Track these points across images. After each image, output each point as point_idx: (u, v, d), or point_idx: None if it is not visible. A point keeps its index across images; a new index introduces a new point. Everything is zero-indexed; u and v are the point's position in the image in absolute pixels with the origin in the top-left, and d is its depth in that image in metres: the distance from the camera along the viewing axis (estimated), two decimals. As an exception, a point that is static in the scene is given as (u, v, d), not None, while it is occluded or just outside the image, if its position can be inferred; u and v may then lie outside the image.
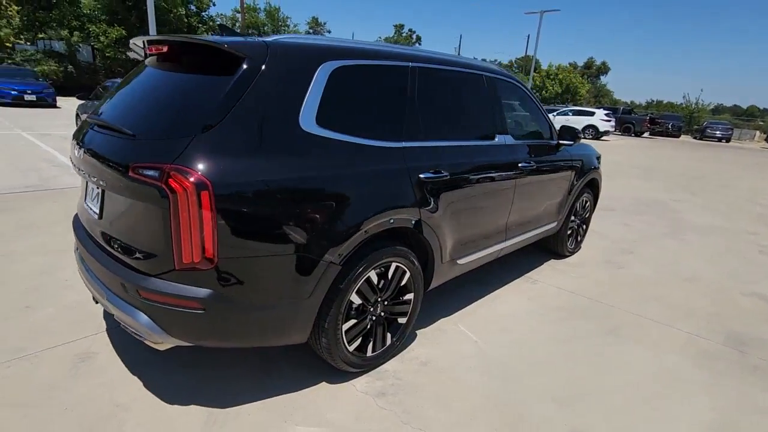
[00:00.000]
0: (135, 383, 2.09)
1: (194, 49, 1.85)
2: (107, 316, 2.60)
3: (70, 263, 3.09)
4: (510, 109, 3.29)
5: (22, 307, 2.68)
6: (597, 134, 22.11)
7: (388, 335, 2.36)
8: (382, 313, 2.30)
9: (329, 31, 77.23)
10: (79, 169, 1.98)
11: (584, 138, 22.12)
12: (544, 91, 42.57)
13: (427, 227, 2.33)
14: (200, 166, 1.54)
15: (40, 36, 21.05)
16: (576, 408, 2.13)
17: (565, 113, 23.70)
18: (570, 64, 58.60)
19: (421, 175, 2.24)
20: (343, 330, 2.08)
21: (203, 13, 28.34)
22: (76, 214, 2.35)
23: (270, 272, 1.73)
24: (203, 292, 1.64)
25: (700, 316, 3.21)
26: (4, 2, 21.30)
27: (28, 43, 20.98)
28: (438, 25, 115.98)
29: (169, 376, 2.16)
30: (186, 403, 1.98)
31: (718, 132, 30.21)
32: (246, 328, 1.78)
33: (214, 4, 29.77)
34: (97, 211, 1.94)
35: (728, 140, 30.47)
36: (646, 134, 29.41)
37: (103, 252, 1.89)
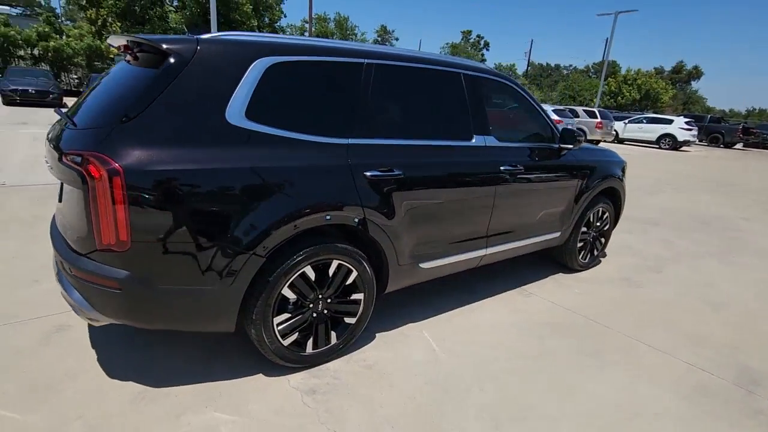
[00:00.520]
0: (91, 357, 2.26)
1: (138, 47, 1.99)
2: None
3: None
4: (498, 109, 3.12)
5: (31, 281, 3.02)
6: (675, 144, 20.14)
7: (333, 334, 2.34)
8: (325, 311, 2.28)
9: (397, 39, 78.36)
10: (46, 161, 2.20)
11: (661, 148, 20.28)
12: (619, 97, 39.68)
13: (375, 227, 2.28)
14: (115, 154, 1.65)
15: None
16: (508, 431, 1.95)
17: (638, 121, 21.90)
18: (655, 68, 54.13)
19: (367, 173, 2.20)
20: (275, 323, 2.09)
21: (275, 25, 30.07)
22: None
23: (187, 259, 1.80)
24: (120, 273, 1.75)
25: (713, 347, 2.80)
26: (109, 19, 24.24)
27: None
28: (508, 31, 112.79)
29: (124, 353, 2.31)
30: (126, 379, 2.11)
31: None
32: (165, 310, 1.87)
33: (285, 15, 31.50)
34: (59, 198, 2.14)
35: None
36: (738, 146, 26.26)
37: (59, 234, 2.08)
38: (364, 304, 2.41)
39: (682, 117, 22.11)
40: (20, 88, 15.43)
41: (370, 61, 2.33)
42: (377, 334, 2.68)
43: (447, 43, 58.32)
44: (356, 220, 2.20)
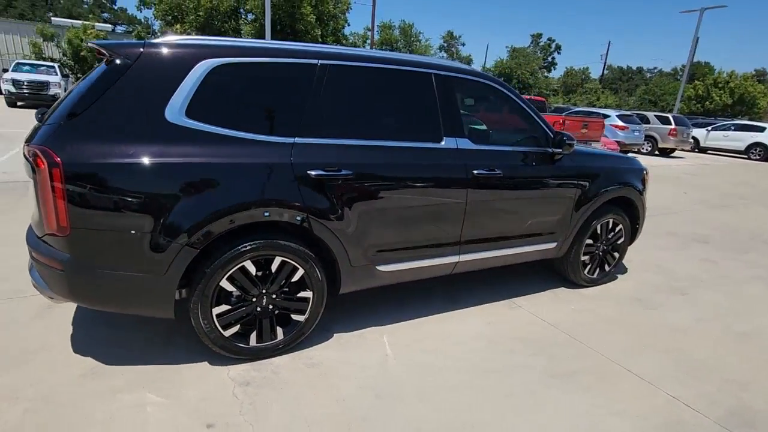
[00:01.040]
0: (67, 333, 2.49)
1: (101, 52, 2.18)
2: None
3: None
4: (482, 112, 2.99)
5: (49, 263, 3.40)
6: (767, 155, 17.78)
7: (280, 330, 2.38)
8: (270, 306, 2.33)
9: (464, 44, 77.45)
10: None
11: (750, 158, 18.06)
12: (708, 102, 35.77)
13: (321, 226, 2.28)
14: (56, 147, 1.82)
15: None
16: (426, 444, 1.85)
17: (724, 128, 19.62)
18: (756, 71, 48.27)
19: (312, 172, 2.22)
20: (214, 314, 2.17)
21: (339, 33, 31.09)
22: None
23: (121, 246, 1.93)
24: (63, 255, 1.92)
25: (716, 382, 2.44)
26: (192, 33, 26.63)
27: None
28: (583, 33, 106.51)
29: (97, 332, 2.52)
30: (86, 355, 2.30)
31: None
32: (104, 293, 2.02)
33: (348, 24, 32.47)
34: None
35: None
36: None
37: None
38: (313, 302, 2.41)
39: (778, 124, 19.44)
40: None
41: (325, 62, 2.35)
42: (336, 335, 2.67)
43: (508, 47, 56.62)
44: (298, 218, 2.22)
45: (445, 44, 67.51)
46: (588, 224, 3.38)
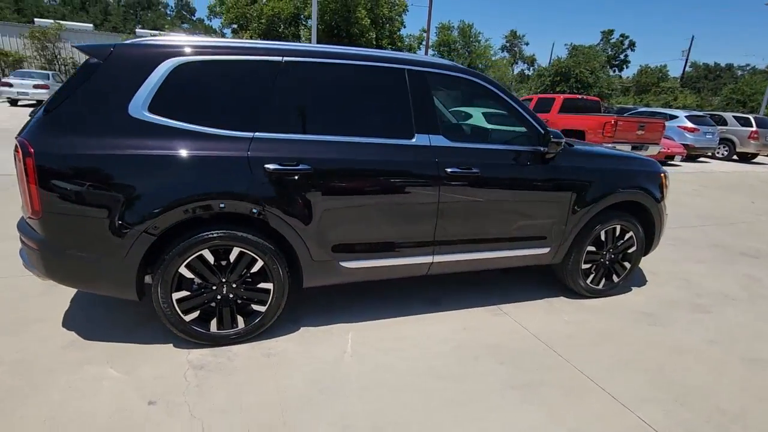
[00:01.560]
0: (63, 308, 2.76)
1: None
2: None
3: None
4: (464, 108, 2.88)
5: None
6: None
7: (240, 318, 2.46)
8: (231, 295, 2.42)
9: (527, 44, 74.65)
10: None
11: None
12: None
13: (277, 219, 2.33)
14: (31, 140, 2.03)
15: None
16: (345, 441, 1.83)
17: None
18: None
19: (269, 166, 2.28)
20: (174, 299, 2.30)
21: (395, 35, 31.32)
22: None
23: (85, 230, 2.11)
24: (38, 236, 2.14)
25: (700, 409, 2.16)
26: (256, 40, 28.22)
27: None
28: (661, 29, 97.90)
29: (89, 309, 2.76)
30: (72, 329, 2.53)
31: None
32: (73, 272, 2.21)
33: (404, 26, 32.59)
34: None
35: None
36: None
37: None
38: (274, 294, 2.47)
39: None
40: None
41: (290, 58, 2.40)
42: (303, 328, 2.72)
43: (567, 44, 53.55)
44: (254, 210, 2.29)
45: (508, 44, 65.55)
46: (589, 230, 3.13)
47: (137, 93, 2.14)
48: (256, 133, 2.31)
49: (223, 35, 36.77)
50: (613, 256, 3.34)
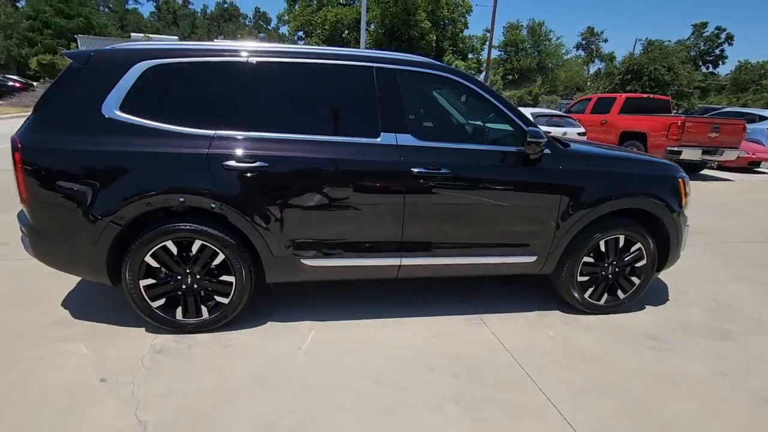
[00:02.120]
0: (68, 288, 3.06)
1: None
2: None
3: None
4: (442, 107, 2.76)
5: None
6: None
7: (204, 309, 2.57)
8: (195, 286, 2.53)
9: (606, 41, 69.71)
10: None
11: None
12: None
13: (236, 214, 2.41)
14: (20, 136, 2.29)
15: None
16: (257, 436, 1.83)
17: None
18: None
19: (226, 162, 2.36)
20: (142, 285, 2.46)
21: (457, 37, 30.91)
22: None
23: (62, 219, 2.33)
24: (27, 223, 2.40)
25: (674, 451, 1.88)
26: (320, 45, 29.37)
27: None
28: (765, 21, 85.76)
29: (90, 291, 3.04)
30: (67, 307, 2.81)
31: None
32: (55, 256, 2.46)
33: (467, 27, 32.03)
34: None
35: None
36: None
37: None
38: (236, 287, 2.55)
39: None
40: None
41: (255, 59, 2.47)
42: (269, 323, 2.77)
43: (639, 40, 48.90)
44: (212, 205, 2.38)
45: (584, 41, 61.71)
46: (585, 239, 2.86)
47: (110, 94, 2.33)
48: (218, 131, 2.40)
49: (296, 41, 38.61)
50: (617, 269, 3.01)
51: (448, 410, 2.07)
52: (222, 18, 64.74)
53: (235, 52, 2.47)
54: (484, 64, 33.75)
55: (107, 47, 2.46)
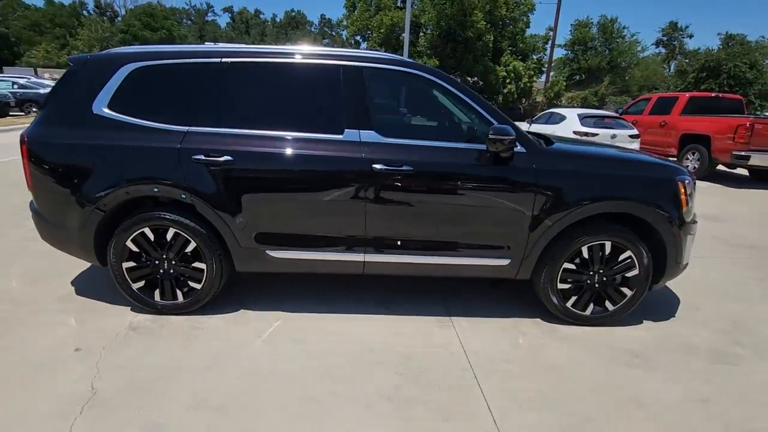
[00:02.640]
0: (83, 267, 3.42)
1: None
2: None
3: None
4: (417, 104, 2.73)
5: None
6: None
7: (179, 293, 2.76)
8: (171, 271, 2.73)
9: (691, 36, 63.86)
10: None
11: None
12: None
13: (204, 205, 2.57)
14: (28, 131, 2.62)
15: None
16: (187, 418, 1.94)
17: None
18: None
19: (195, 156, 2.52)
20: (125, 267, 2.70)
21: (518, 36, 29.83)
22: None
23: (56, 203, 2.63)
24: (33, 206, 2.74)
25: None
26: (377, 48, 29.83)
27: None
28: None
29: (101, 270, 3.39)
30: (73, 284, 3.15)
31: None
32: (55, 237, 2.76)
33: (528, 27, 30.80)
34: None
35: None
36: None
37: None
38: (208, 274, 2.71)
39: None
40: None
41: (228, 60, 2.61)
42: (242, 311, 2.90)
43: (719, 34, 43.61)
44: (183, 196, 2.56)
45: (665, 38, 56.90)
46: (565, 243, 2.68)
47: (100, 93, 2.59)
48: (191, 127, 2.57)
49: (358, 45, 39.53)
50: (605, 278, 2.79)
51: (378, 407, 2.06)
52: (289, 26, 67.98)
53: (207, 54, 2.64)
54: (547, 64, 32.35)
55: (101, 52, 2.74)
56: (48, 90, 9.97)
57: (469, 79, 27.38)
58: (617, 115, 10.71)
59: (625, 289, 2.81)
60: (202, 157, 2.52)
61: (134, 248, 2.67)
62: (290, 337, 2.62)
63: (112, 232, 2.64)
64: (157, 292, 2.76)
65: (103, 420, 1.91)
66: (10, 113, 15.57)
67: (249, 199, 2.59)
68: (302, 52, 2.68)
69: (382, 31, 26.58)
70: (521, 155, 2.60)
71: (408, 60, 2.75)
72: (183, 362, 2.33)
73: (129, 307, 2.86)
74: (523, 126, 12.54)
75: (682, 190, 2.69)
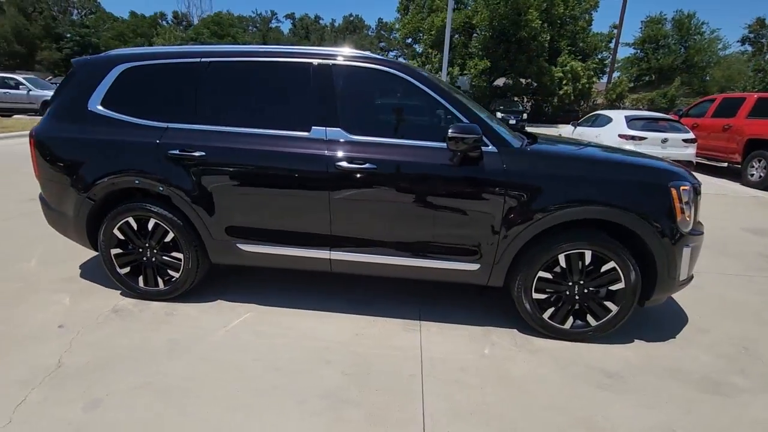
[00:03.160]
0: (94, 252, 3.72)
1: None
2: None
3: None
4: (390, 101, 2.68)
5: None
6: None
7: (160, 280, 2.92)
8: (153, 259, 2.90)
9: (783, 31, 57.24)
10: None
11: None
12: None
13: (179, 197, 2.70)
14: (35, 127, 2.90)
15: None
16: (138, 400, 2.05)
17: None
18: None
19: (171, 151, 2.66)
20: (112, 254, 2.90)
21: (578, 35, 28.34)
22: None
23: (57, 192, 2.89)
24: (41, 195, 3.03)
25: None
26: (429, 50, 29.68)
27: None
28: None
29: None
30: (79, 267, 3.43)
31: None
32: (55, 222, 3.03)
33: (589, 25, 29.12)
34: None
35: None
36: None
37: None
38: (185, 263, 2.85)
39: None
40: None
41: (207, 60, 2.73)
42: (218, 301, 3.01)
43: None
44: (160, 188, 2.70)
45: (752, 35, 51.46)
46: (541, 250, 2.51)
47: (95, 92, 2.81)
48: (170, 124, 2.72)
49: (415, 50, 39.68)
50: (586, 290, 2.57)
51: (312, 404, 2.04)
52: (347, 30, 69.54)
53: (189, 54, 2.77)
54: (610, 64, 30.39)
55: (101, 54, 2.97)
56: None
57: (522, 80, 26.42)
58: (671, 117, 9.83)
59: (609, 304, 2.57)
60: (178, 152, 2.65)
61: (120, 236, 2.87)
62: (254, 329, 2.68)
63: (102, 219, 2.85)
64: (140, 279, 2.94)
65: (55, 391, 2.06)
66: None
67: (220, 193, 2.68)
68: (275, 50, 2.73)
69: (432, 32, 26.40)
70: (491, 155, 2.48)
71: (378, 56, 2.71)
72: (147, 345, 2.46)
73: (119, 291, 3.07)
74: (567, 129, 11.86)
75: (676, 197, 2.41)
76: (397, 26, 30.96)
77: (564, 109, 26.08)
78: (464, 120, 2.51)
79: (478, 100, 27.55)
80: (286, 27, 74.44)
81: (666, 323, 2.93)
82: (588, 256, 2.50)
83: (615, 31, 28.35)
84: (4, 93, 15.52)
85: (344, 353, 2.46)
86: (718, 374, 2.39)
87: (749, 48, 51.14)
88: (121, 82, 2.80)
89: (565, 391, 2.21)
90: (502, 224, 2.49)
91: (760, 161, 8.16)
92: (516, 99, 25.99)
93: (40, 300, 2.92)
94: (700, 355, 2.57)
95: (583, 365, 2.43)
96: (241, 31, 49.01)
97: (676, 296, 3.34)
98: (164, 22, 55.48)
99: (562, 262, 2.53)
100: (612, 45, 29.94)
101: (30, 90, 15.66)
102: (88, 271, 3.38)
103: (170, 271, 2.91)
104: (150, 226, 2.82)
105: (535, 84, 26.74)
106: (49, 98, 16.31)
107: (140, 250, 2.90)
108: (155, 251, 2.88)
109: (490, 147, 2.49)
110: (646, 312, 3.03)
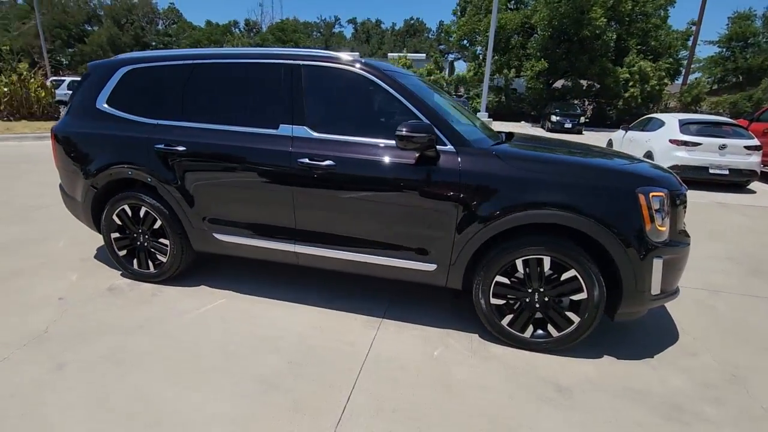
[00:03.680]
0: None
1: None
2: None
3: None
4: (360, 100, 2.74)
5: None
6: None
7: (151, 264, 3.19)
8: (146, 244, 3.18)
9: None
10: None
11: None
12: None
13: (163, 188, 2.94)
14: (56, 123, 3.30)
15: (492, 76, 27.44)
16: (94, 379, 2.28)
17: None
18: None
19: (157, 146, 2.91)
20: (112, 237, 3.22)
21: (650, 34, 26.32)
22: None
23: (70, 179, 3.25)
24: (60, 183, 3.43)
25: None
26: (484, 52, 29.10)
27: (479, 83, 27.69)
28: None
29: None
30: (91, 252, 3.83)
31: None
32: (70, 207, 3.40)
33: (665, 22, 26.86)
34: None
35: None
36: None
37: None
38: (171, 249, 3.09)
39: None
40: None
41: (194, 62, 2.95)
42: (202, 286, 3.23)
43: None
44: (149, 179, 2.96)
45: None
46: (497, 254, 2.43)
47: (102, 91, 3.14)
48: (159, 121, 2.97)
49: (474, 52, 39.12)
50: (546, 298, 2.45)
51: (245, 386, 2.15)
52: (407, 33, 69.89)
53: (181, 57, 3.01)
54: (686, 64, 27.85)
55: (111, 58, 3.31)
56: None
57: (582, 82, 25.06)
58: (736, 121, 8.86)
59: (572, 315, 2.43)
60: (163, 146, 2.89)
61: (118, 222, 3.17)
62: (222, 314, 2.85)
63: (104, 206, 3.17)
64: (135, 261, 3.23)
65: (33, 353, 2.34)
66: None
67: (198, 185, 2.88)
68: (250, 52, 2.88)
69: (487, 34, 25.81)
70: (448, 154, 2.45)
71: (349, 57, 2.76)
72: (125, 320, 2.71)
73: (120, 272, 3.39)
74: (619, 133, 11.03)
75: (644, 204, 2.23)
76: (453, 28, 30.59)
77: (630, 112, 24.26)
78: (423, 119, 2.50)
79: (534, 103, 26.51)
80: (348, 31, 76.26)
81: (650, 342, 2.70)
82: (547, 262, 2.38)
83: (693, 28, 25.97)
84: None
85: (296, 344, 2.54)
86: (685, 400, 2.18)
87: None
88: (124, 82, 3.10)
89: (502, 401, 2.13)
90: (456, 225, 2.45)
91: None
92: (576, 102, 24.69)
93: (52, 275, 3.31)
94: (672, 379, 2.35)
95: (534, 376, 2.32)
96: (305, 36, 51.08)
97: (676, 315, 3.07)
98: (237, 30, 59.32)
99: (521, 268, 2.43)
100: (689, 43, 27.44)
101: None
102: (102, 253, 3.76)
103: (159, 256, 3.17)
104: (142, 213, 3.09)
105: (598, 86, 25.24)
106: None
107: (134, 235, 3.19)
108: (146, 237, 3.15)
109: (448, 146, 2.46)
110: (630, 328, 2.83)
